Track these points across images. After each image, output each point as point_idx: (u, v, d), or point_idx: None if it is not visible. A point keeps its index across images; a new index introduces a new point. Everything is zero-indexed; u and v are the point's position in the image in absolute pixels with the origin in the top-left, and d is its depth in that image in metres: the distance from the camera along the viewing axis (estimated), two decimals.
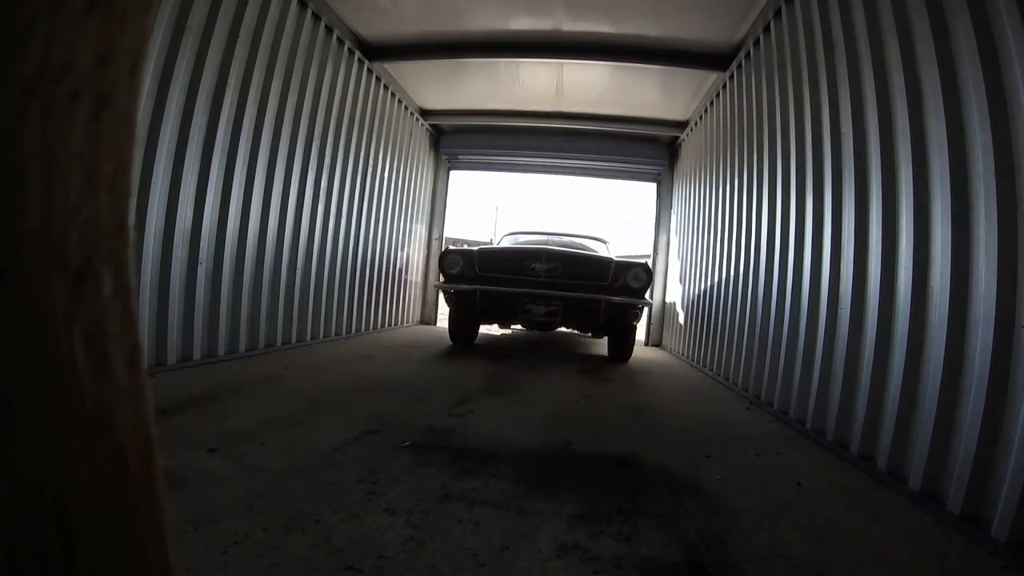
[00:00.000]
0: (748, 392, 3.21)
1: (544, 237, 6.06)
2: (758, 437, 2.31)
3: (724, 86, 4.25)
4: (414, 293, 6.61)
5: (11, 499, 0.22)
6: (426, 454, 1.71)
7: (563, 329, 5.67)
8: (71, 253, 0.24)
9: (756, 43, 3.51)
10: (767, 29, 3.31)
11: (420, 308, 6.91)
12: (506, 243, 6.14)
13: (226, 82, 2.86)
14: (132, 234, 0.27)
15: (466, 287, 4.13)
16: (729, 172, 4.08)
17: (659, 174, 6.72)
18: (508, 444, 1.90)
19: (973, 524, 1.40)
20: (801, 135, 2.74)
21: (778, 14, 3.12)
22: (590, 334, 6.22)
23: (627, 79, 4.88)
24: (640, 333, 5.38)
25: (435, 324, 6.87)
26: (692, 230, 5.31)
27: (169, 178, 2.58)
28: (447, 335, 4.86)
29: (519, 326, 4.70)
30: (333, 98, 4.07)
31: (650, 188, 6.93)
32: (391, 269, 5.65)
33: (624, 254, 6.23)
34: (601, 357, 4.78)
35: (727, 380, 3.68)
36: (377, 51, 4.51)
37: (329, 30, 3.90)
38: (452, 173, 7.15)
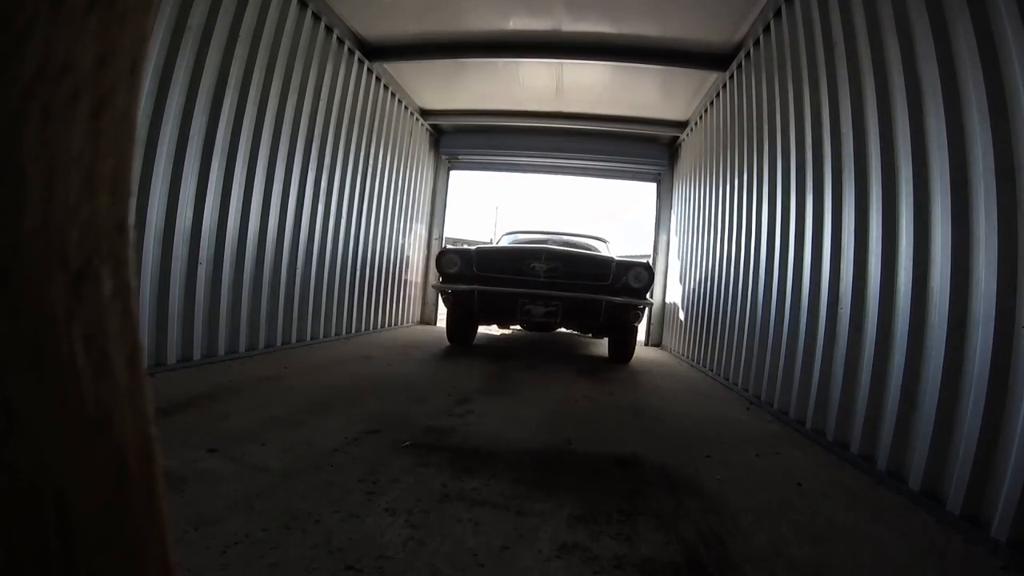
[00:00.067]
0: (748, 392, 3.21)
1: (544, 236, 6.04)
2: (758, 437, 2.31)
3: (724, 86, 4.24)
4: (414, 293, 6.61)
5: (11, 499, 0.22)
6: (426, 454, 1.71)
7: (563, 330, 5.65)
8: (71, 253, 0.24)
9: (756, 43, 3.51)
10: (767, 29, 3.31)
11: (420, 308, 6.91)
12: (505, 243, 6.11)
13: (226, 82, 2.86)
14: (132, 234, 0.27)
15: (464, 287, 4.07)
16: (729, 172, 4.08)
17: (659, 174, 6.71)
18: (508, 444, 1.90)
19: (973, 524, 1.40)
20: (801, 135, 2.74)
21: (778, 14, 3.12)
22: (590, 335, 6.19)
23: (627, 79, 4.87)
24: (640, 333, 5.37)
25: (435, 324, 6.87)
26: (692, 230, 5.31)
27: (169, 178, 2.58)
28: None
29: (518, 327, 4.68)
30: (333, 98, 4.07)
31: (650, 188, 6.93)
32: (391, 269, 5.65)
33: (624, 254, 6.22)
34: (601, 358, 4.77)
35: (727, 380, 3.68)
36: (377, 51, 4.51)
37: (329, 30, 3.91)
38: (452, 173, 7.15)
